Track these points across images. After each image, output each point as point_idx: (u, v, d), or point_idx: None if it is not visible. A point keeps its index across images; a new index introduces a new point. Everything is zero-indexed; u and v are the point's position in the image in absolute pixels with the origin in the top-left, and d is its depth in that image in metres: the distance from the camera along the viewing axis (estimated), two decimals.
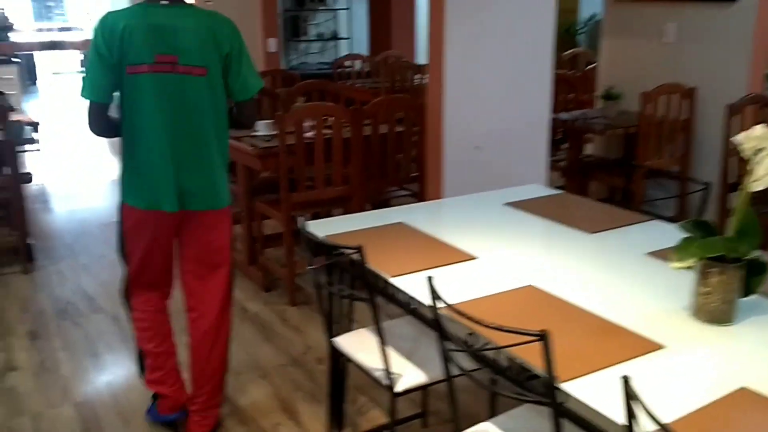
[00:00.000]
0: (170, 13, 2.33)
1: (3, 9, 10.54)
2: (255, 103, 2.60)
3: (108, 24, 2.30)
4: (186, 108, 2.38)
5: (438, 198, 3.65)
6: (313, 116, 3.74)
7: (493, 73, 3.66)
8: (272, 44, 6.58)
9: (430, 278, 1.70)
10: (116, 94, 2.38)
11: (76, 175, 6.96)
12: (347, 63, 7.00)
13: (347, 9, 11.39)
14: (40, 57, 13.18)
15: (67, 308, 3.91)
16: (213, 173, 2.48)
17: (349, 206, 3.93)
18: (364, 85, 6.53)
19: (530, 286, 1.95)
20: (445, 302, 1.69)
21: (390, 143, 3.97)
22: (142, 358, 2.71)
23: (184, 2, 2.39)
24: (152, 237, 2.50)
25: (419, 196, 4.18)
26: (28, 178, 4.71)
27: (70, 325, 3.71)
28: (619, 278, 2.01)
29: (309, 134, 3.77)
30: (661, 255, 2.10)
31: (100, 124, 2.40)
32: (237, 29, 2.43)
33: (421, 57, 9.55)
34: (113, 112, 2.42)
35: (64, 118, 10.16)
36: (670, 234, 2.25)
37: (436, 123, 3.59)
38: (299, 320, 3.74)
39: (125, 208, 2.49)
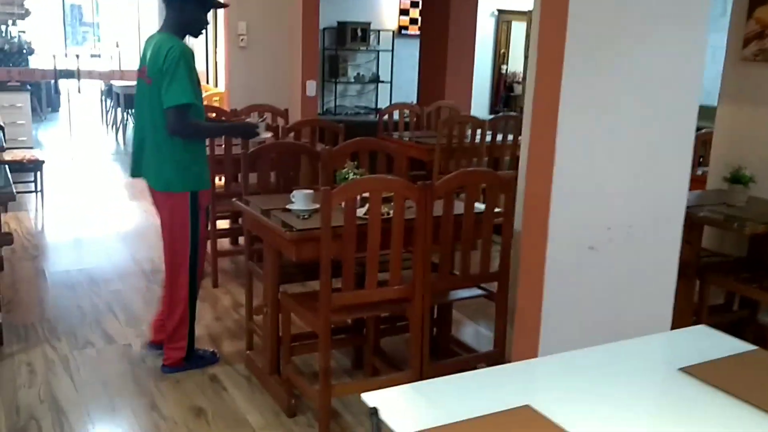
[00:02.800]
0: (154, 37, 3.25)
1: (23, 31, 9.85)
2: (178, 116, 3.09)
3: None
4: (144, 105, 3.24)
5: (533, 308, 2.67)
6: (369, 192, 2.80)
7: (618, 149, 2.70)
8: (311, 87, 5.72)
9: None
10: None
11: (82, 224, 6.08)
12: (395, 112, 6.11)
13: (391, 51, 10.59)
14: (65, 83, 12.49)
15: (27, 428, 2.95)
16: (157, 159, 3.23)
17: (408, 310, 2.96)
18: (417, 140, 5.62)
19: None
20: None
21: (466, 229, 3.01)
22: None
23: (163, 30, 3.23)
24: None
25: (498, 300, 3.20)
26: (7, 239, 3.82)
27: None
28: None
29: (361, 212, 2.84)
30: None
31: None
32: (177, 52, 3.06)
33: (479, 110, 8.65)
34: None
35: (78, 151, 9.37)
36: None
37: (539, 212, 2.62)
38: None
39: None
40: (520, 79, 11.85)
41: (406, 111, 6.25)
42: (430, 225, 2.88)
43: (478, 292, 3.28)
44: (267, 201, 3.31)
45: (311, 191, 3.16)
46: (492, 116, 6.38)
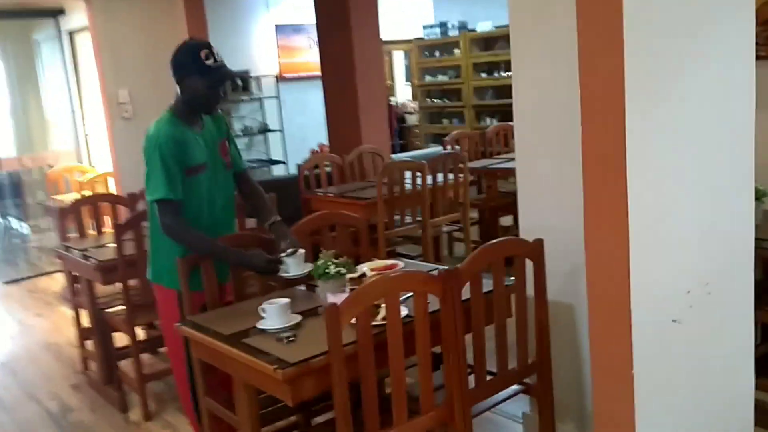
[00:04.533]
0: None
1: None
2: (158, 211, 2.66)
3: None
4: None
5: (622, 408, 2.03)
6: (384, 297, 2.07)
7: (687, 188, 2.12)
8: None
9: None
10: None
11: None
12: (315, 165, 5.37)
13: (277, 97, 9.84)
14: None
15: None
16: (151, 246, 2.92)
17: None
18: (348, 195, 4.91)
19: None
20: None
21: (500, 316, 2.33)
22: None
23: (169, 108, 2.79)
24: None
25: (541, 394, 2.53)
26: None
27: None
28: None
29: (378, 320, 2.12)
30: None
31: None
32: (152, 142, 2.66)
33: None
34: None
35: None
36: None
37: (615, 282, 1.98)
38: None
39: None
40: (411, 110, 11.44)
41: (326, 162, 5.54)
42: (461, 324, 2.19)
43: (515, 388, 2.60)
44: (222, 320, 2.51)
45: (286, 301, 2.39)
46: (424, 155, 5.79)
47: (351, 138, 5.98)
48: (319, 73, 6.55)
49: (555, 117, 2.65)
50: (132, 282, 3.62)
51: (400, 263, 2.91)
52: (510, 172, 5.76)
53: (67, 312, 5.50)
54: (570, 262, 2.62)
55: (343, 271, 2.49)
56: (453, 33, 9.48)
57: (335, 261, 2.52)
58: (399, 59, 12.03)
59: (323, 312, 2.33)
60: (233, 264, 2.76)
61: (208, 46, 2.67)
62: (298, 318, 2.36)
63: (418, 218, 4.80)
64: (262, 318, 2.36)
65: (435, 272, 2.25)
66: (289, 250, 2.64)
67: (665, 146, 2.01)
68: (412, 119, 11.39)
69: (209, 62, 2.63)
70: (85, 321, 4.13)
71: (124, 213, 4.38)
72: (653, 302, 2.02)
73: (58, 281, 6.40)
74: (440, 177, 4.87)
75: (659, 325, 2.06)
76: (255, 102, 9.88)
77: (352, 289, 2.45)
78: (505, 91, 8.79)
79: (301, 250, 2.66)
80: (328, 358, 1.99)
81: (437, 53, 9.79)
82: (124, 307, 3.90)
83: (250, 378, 2.25)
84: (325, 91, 6.25)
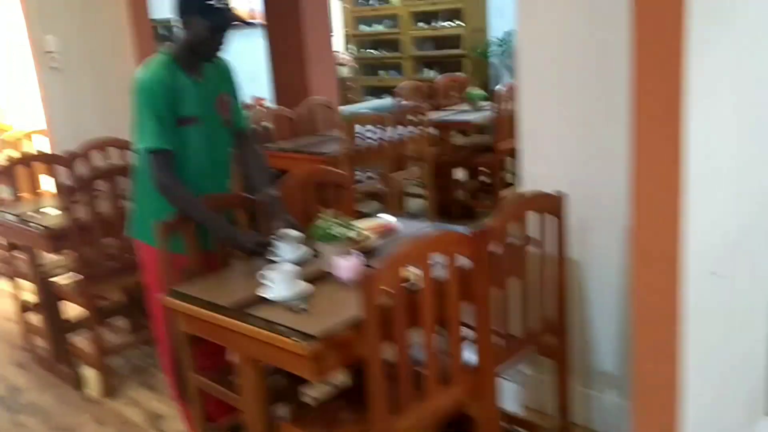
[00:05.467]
0: None
1: None
2: (147, 163, 2.42)
3: None
4: None
5: (667, 372, 1.93)
6: (417, 260, 1.87)
7: (750, 136, 2.01)
8: None
9: None
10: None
11: None
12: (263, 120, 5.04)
13: None
14: None
15: None
16: (133, 198, 2.65)
17: (475, 408, 2.09)
18: (305, 150, 4.64)
19: None
20: None
21: (524, 273, 2.18)
22: None
23: (165, 49, 2.54)
24: None
25: (559, 356, 2.41)
26: None
27: None
28: None
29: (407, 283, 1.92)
30: None
31: None
32: (138, 84, 2.44)
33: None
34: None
35: None
36: None
37: (665, 235, 1.85)
38: None
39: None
40: (342, 62, 11.08)
41: (275, 116, 5.20)
42: (487, 286, 2.02)
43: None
44: (212, 290, 2.26)
45: (291, 267, 2.17)
46: (375, 107, 5.55)
47: (298, 90, 5.67)
48: (256, 21, 6.16)
49: (565, 71, 2.48)
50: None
51: (396, 221, 2.72)
52: (466, 125, 5.63)
53: None
54: (577, 217, 2.49)
55: (347, 232, 2.27)
56: None
57: (338, 221, 2.29)
58: (334, 8, 11.60)
59: (328, 276, 2.17)
60: (220, 238, 2.50)
61: None
62: (305, 285, 2.14)
63: (380, 172, 4.59)
64: (264, 286, 2.12)
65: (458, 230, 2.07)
66: (283, 232, 2.39)
67: (723, 96, 1.89)
68: (343, 71, 11.05)
69: (213, 2, 2.36)
70: (26, 293, 3.76)
71: (62, 174, 3.97)
72: (697, 255, 1.91)
73: None
74: (401, 130, 4.67)
75: (701, 279, 1.96)
76: None
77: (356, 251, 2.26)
78: (445, 41, 8.61)
79: (296, 233, 2.41)
80: (367, 332, 1.78)
81: (372, 1, 9.46)
82: (70, 277, 3.58)
83: (260, 354, 2.03)
84: (271, 41, 5.88)
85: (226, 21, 2.41)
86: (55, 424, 3.17)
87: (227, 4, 2.42)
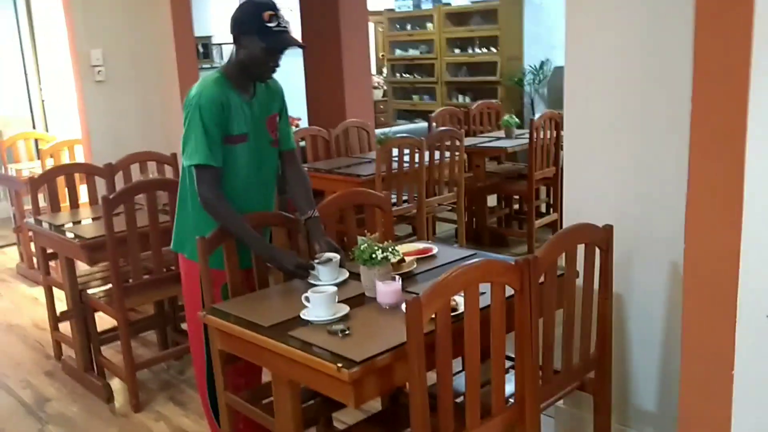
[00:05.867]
0: None
1: None
2: (194, 178, 2.43)
3: None
4: None
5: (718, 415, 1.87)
6: (464, 288, 1.84)
7: None
8: None
9: None
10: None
11: None
12: (301, 138, 5.06)
13: None
14: None
15: None
16: (178, 212, 2.64)
17: None
18: (341, 171, 4.64)
19: None
20: None
21: (569, 308, 2.14)
22: None
23: (220, 69, 2.54)
24: None
25: (598, 393, 2.36)
26: None
27: None
28: None
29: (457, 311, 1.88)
30: None
31: None
32: (193, 101, 2.41)
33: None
34: None
35: None
36: None
37: (722, 275, 1.81)
38: None
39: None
40: (375, 84, 11.13)
41: (311, 136, 5.22)
42: (536, 318, 1.98)
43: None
44: (252, 309, 2.25)
45: (333, 289, 2.15)
46: (411, 131, 5.54)
47: (334, 111, 5.69)
48: None
49: (616, 99, 2.45)
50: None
51: (435, 247, 2.70)
52: (501, 152, 5.61)
53: (27, 290, 5.09)
54: (620, 250, 2.45)
55: (391, 257, 2.25)
56: (426, 6, 9.21)
57: (381, 246, 2.27)
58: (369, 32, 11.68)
59: (368, 300, 2.16)
60: (262, 258, 2.49)
61: (274, 8, 2.39)
62: (346, 308, 2.12)
63: (414, 196, 4.57)
64: (305, 307, 2.10)
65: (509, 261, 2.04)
66: (325, 255, 2.38)
67: None
68: (377, 94, 11.10)
69: (272, 24, 2.36)
70: (59, 302, 3.78)
71: (100, 185, 4.01)
72: (754, 296, 1.86)
73: (9, 256, 5.94)
74: (437, 155, 4.66)
75: (757, 321, 1.90)
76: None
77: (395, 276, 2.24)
78: (479, 67, 8.61)
79: (337, 256, 2.39)
80: (407, 355, 1.75)
81: (408, 26, 9.51)
82: (105, 288, 3.59)
83: (300, 377, 2.00)
84: (306, 61, 5.92)
85: (283, 44, 2.41)
86: None
87: (286, 28, 2.42)
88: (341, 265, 2.41)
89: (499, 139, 5.65)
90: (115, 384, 3.54)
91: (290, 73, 7.68)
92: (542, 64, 8.06)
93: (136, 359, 3.41)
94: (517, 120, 5.77)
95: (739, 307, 1.80)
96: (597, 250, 2.22)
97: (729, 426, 1.86)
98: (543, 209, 5.74)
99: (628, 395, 2.56)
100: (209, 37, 9.00)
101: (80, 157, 4.90)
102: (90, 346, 3.58)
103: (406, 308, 1.71)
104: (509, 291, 1.93)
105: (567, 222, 2.56)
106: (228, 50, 9.30)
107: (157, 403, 3.40)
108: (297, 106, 6.60)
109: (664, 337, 2.41)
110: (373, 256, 2.23)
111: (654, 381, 2.49)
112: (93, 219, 3.66)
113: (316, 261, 2.36)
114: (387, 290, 2.15)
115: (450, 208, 5.11)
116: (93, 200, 3.98)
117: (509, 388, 2.03)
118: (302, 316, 2.08)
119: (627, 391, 2.56)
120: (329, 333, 1.99)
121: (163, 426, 3.19)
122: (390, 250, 2.26)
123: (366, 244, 2.27)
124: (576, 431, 2.68)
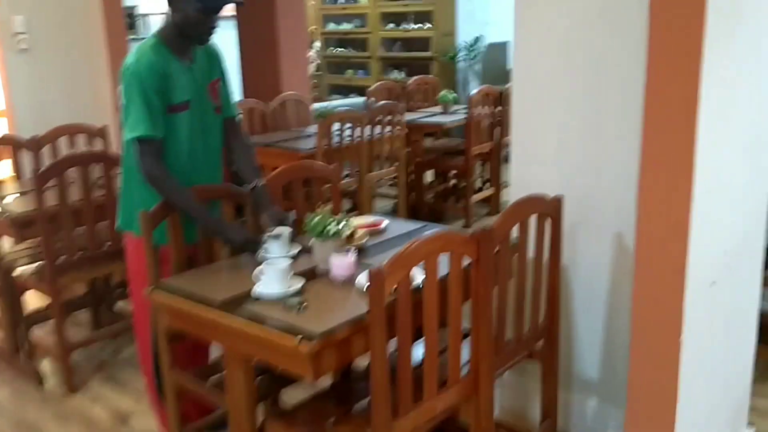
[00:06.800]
0: None
1: None
2: (136, 152, 2.31)
3: None
4: None
5: (665, 378, 1.94)
6: (425, 259, 1.83)
7: (739, 141, 2.03)
8: None
9: None
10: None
11: None
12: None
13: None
14: None
15: None
16: (122, 190, 2.53)
17: (467, 411, 2.06)
18: (279, 145, 4.56)
19: None
20: None
21: (521, 278, 2.17)
22: None
23: (155, 33, 2.42)
24: None
25: (546, 361, 2.40)
26: None
27: None
28: None
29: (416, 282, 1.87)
30: None
31: None
32: (130, 70, 2.30)
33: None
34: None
35: None
36: None
37: (672, 246, 1.86)
38: None
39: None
40: (310, 59, 10.97)
41: (248, 109, 5.09)
42: (490, 289, 1.99)
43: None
44: (202, 284, 2.18)
45: (287, 262, 2.11)
46: (347, 106, 5.49)
47: (269, 84, 5.57)
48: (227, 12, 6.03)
49: (563, 74, 2.47)
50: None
51: (385, 220, 2.68)
52: (439, 128, 5.62)
53: None
54: (566, 222, 2.49)
55: (346, 229, 2.22)
56: None
57: (334, 218, 2.24)
58: None
59: (320, 273, 2.14)
60: (209, 232, 2.42)
61: None
62: (301, 281, 2.08)
63: (356, 171, 4.54)
64: (257, 282, 2.06)
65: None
66: (275, 230, 2.31)
67: (732, 108, 1.90)
68: (310, 68, 10.94)
69: None
70: None
71: (27, 159, 3.81)
72: (701, 265, 1.92)
73: None
74: (377, 130, 4.63)
75: (702, 289, 1.97)
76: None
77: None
78: (413, 43, 8.59)
79: (288, 229, 2.33)
80: (366, 327, 1.74)
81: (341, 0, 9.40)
82: (34, 266, 3.42)
83: (255, 351, 1.96)
84: (241, 33, 5.77)
85: (218, 3, 2.33)
86: (15, 421, 3.03)
87: None
88: (292, 239, 2.36)
89: (436, 114, 5.66)
90: (46, 366, 3.40)
91: (223, 45, 7.44)
92: (476, 40, 8.11)
93: (69, 340, 3.27)
94: (455, 95, 5.79)
95: (687, 276, 1.86)
96: (548, 221, 2.25)
97: (676, 391, 1.92)
98: (479, 185, 5.80)
99: (573, 363, 2.62)
100: (133, 8, 8.65)
101: (3, 130, 4.64)
102: (19, 327, 3.42)
103: (370, 279, 1.68)
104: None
105: (515, 195, 2.58)
106: (154, 22, 8.97)
107: (93, 385, 3.29)
108: (231, 78, 6.44)
109: (608, 307, 2.48)
110: (327, 229, 2.19)
111: (598, 349, 2.55)
112: (20, 194, 3.47)
113: (267, 234, 2.31)
114: (341, 263, 2.12)
115: (390, 183, 5.10)
116: (18, 175, 3.78)
117: (463, 357, 2.04)
118: (255, 290, 2.03)
119: (571, 359, 2.62)
120: (285, 307, 1.95)
121: (100, 408, 3.09)
122: (342, 223, 2.23)
123: (318, 218, 2.23)
124: (521, 400, 2.73)
